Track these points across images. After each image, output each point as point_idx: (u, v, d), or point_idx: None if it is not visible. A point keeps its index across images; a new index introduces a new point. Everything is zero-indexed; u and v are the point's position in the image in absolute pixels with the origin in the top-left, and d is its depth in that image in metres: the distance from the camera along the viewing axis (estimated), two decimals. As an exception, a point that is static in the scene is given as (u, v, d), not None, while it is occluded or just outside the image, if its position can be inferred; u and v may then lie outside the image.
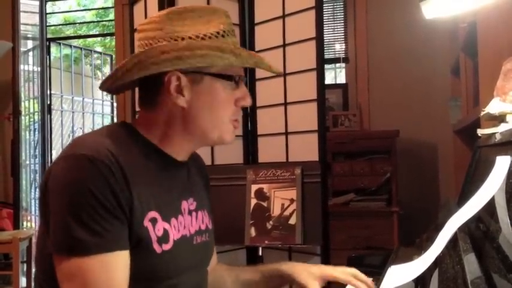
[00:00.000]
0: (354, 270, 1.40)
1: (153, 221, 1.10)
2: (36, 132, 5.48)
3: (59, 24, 7.93)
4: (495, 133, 1.29)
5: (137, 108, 1.27)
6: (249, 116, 2.82)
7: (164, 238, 1.11)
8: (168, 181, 1.19)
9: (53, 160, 1.10)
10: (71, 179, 1.02)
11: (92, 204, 0.99)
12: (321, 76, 2.55)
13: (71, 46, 5.70)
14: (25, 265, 4.21)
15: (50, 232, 1.03)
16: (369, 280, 1.39)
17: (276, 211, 2.43)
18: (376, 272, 1.54)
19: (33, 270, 4.26)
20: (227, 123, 1.20)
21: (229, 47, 1.12)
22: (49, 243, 1.04)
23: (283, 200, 2.43)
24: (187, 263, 1.20)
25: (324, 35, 2.62)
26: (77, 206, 0.99)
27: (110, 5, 6.82)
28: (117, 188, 1.02)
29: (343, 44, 4.41)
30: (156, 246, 1.09)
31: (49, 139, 5.21)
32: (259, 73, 2.78)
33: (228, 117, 1.19)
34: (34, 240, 4.13)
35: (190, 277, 1.21)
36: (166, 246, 1.12)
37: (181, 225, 1.19)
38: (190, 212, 1.25)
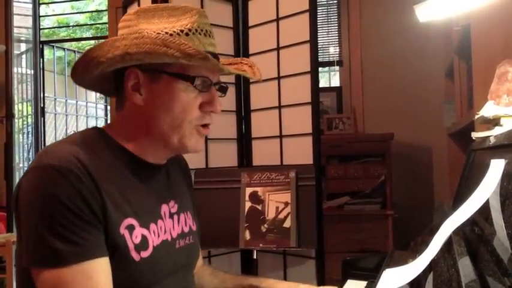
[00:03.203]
0: None
1: (130, 228, 1.07)
2: (30, 135, 5.46)
3: (53, 27, 7.90)
4: (489, 136, 1.30)
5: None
6: (243, 119, 2.82)
7: (142, 245, 1.08)
8: (143, 186, 1.16)
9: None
10: (40, 191, 0.99)
11: (64, 214, 0.97)
12: (315, 79, 2.56)
13: (64, 49, 5.69)
14: (18, 269, 4.18)
15: (24, 246, 1.00)
16: None
17: (270, 214, 2.42)
18: (371, 275, 1.54)
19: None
20: (188, 128, 1.13)
21: (176, 43, 1.04)
22: (24, 257, 1.00)
23: (277, 203, 2.43)
24: (169, 268, 1.17)
25: (318, 38, 2.62)
26: (50, 217, 0.96)
27: (104, 8, 6.81)
28: (88, 195, 0.99)
29: (337, 47, 4.41)
30: (134, 254, 1.06)
31: (42, 142, 5.19)
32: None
33: (188, 121, 1.12)
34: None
35: (173, 282, 1.18)
36: (145, 254, 1.08)
37: (161, 230, 1.16)
38: (171, 215, 1.22)
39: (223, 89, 1.21)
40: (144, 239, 1.10)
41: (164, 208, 1.21)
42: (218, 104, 1.16)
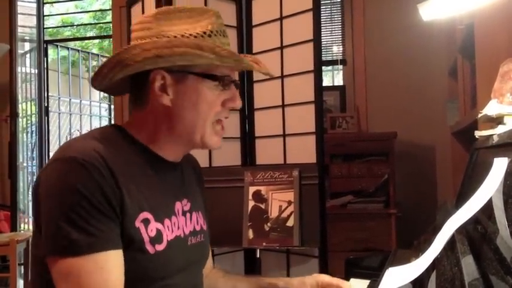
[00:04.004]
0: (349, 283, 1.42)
1: (146, 221, 1.10)
2: (34, 134, 5.48)
3: (57, 27, 7.91)
4: (492, 135, 1.29)
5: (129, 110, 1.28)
6: (247, 117, 2.83)
7: (157, 238, 1.12)
8: (159, 182, 1.19)
9: (44, 164, 1.11)
10: (61, 182, 1.02)
11: (83, 205, 1.00)
12: (318, 78, 2.56)
13: (68, 48, 5.70)
14: (22, 267, 4.20)
15: (43, 235, 1.04)
16: None
17: (273, 213, 2.42)
18: (374, 274, 1.55)
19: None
20: (210, 126, 1.19)
21: (209, 46, 1.11)
22: (42, 245, 1.04)
23: (280, 202, 2.43)
24: (181, 264, 1.20)
25: (322, 37, 2.63)
26: (69, 208, 1.00)
27: (108, 7, 6.82)
28: (107, 189, 1.03)
29: (341, 46, 4.41)
30: (148, 246, 1.09)
31: (46, 141, 5.20)
32: (257, 75, 2.78)
33: (212, 118, 1.18)
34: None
35: (184, 278, 1.21)
36: (160, 247, 1.12)
37: (175, 225, 1.19)
38: (184, 213, 1.25)
39: (237, 86, 1.27)
40: (159, 233, 1.13)
41: (178, 205, 1.24)
42: (239, 99, 1.22)
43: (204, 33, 1.16)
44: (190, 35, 1.15)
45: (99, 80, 1.20)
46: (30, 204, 5.50)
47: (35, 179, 5.18)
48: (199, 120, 1.17)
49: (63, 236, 0.99)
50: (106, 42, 9.13)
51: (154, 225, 1.12)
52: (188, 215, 1.27)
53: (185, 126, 1.18)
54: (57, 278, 1.02)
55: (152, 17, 1.18)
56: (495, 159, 0.88)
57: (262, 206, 2.45)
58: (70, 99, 5.78)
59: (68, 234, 0.99)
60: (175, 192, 1.25)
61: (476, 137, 1.58)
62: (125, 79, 1.19)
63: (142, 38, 1.16)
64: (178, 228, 1.20)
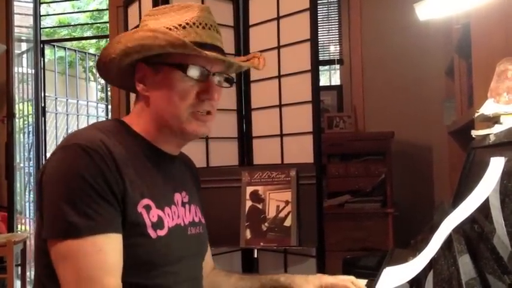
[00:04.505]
0: (351, 277, 1.43)
1: (147, 207, 1.13)
2: (31, 135, 5.46)
3: (53, 27, 7.88)
4: (489, 134, 1.30)
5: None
6: (244, 117, 2.83)
7: (159, 224, 1.14)
8: (159, 173, 1.22)
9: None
10: (65, 166, 1.05)
11: (85, 190, 1.03)
12: (315, 78, 2.56)
13: (65, 48, 5.68)
14: (19, 268, 4.19)
15: (44, 219, 1.06)
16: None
17: (271, 213, 2.42)
18: (371, 274, 1.55)
19: (33, 271, 4.23)
20: (186, 115, 1.18)
21: (165, 33, 1.12)
22: (43, 230, 1.06)
23: (278, 202, 2.43)
24: (182, 252, 1.22)
25: (319, 37, 2.63)
26: (71, 191, 1.03)
27: (105, 7, 6.81)
28: (109, 176, 1.06)
29: (338, 46, 4.41)
30: (150, 231, 1.12)
31: (43, 142, 5.18)
32: (254, 75, 2.78)
33: (186, 108, 1.18)
34: (28, 243, 4.11)
35: (185, 267, 1.23)
36: (161, 232, 1.14)
37: (175, 214, 1.22)
38: (183, 204, 1.28)
39: (229, 81, 1.28)
40: (160, 219, 1.16)
41: (177, 196, 1.27)
42: (214, 92, 1.21)
43: (180, 25, 1.18)
44: (167, 28, 1.17)
45: (103, 75, 1.27)
46: (28, 205, 5.51)
47: (34, 178, 5.17)
48: (173, 110, 1.18)
49: (63, 219, 1.01)
50: (103, 42, 9.09)
51: (155, 212, 1.14)
52: (187, 206, 1.30)
53: (161, 115, 1.20)
54: (56, 260, 1.04)
55: (147, 15, 1.25)
56: (492, 158, 0.89)
57: (260, 206, 2.45)
58: (67, 100, 5.77)
59: (67, 217, 1.01)
60: (174, 184, 1.27)
61: (473, 136, 1.58)
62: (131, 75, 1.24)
63: None
64: (178, 217, 1.23)
